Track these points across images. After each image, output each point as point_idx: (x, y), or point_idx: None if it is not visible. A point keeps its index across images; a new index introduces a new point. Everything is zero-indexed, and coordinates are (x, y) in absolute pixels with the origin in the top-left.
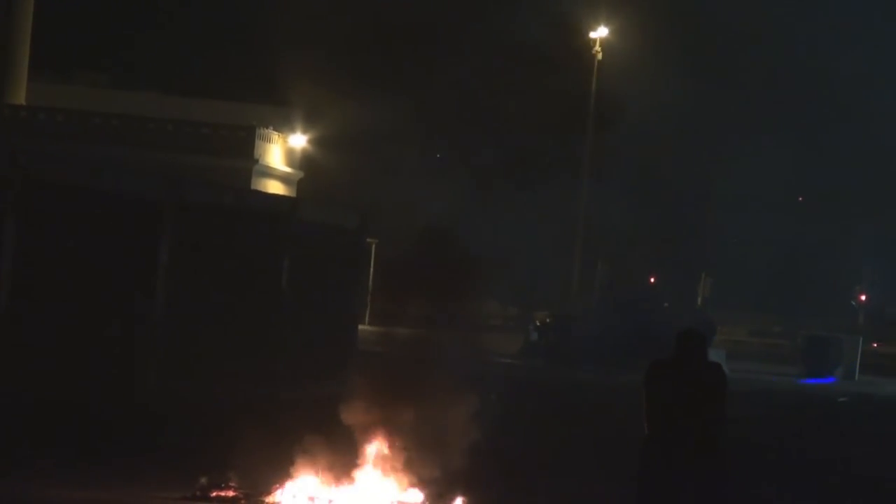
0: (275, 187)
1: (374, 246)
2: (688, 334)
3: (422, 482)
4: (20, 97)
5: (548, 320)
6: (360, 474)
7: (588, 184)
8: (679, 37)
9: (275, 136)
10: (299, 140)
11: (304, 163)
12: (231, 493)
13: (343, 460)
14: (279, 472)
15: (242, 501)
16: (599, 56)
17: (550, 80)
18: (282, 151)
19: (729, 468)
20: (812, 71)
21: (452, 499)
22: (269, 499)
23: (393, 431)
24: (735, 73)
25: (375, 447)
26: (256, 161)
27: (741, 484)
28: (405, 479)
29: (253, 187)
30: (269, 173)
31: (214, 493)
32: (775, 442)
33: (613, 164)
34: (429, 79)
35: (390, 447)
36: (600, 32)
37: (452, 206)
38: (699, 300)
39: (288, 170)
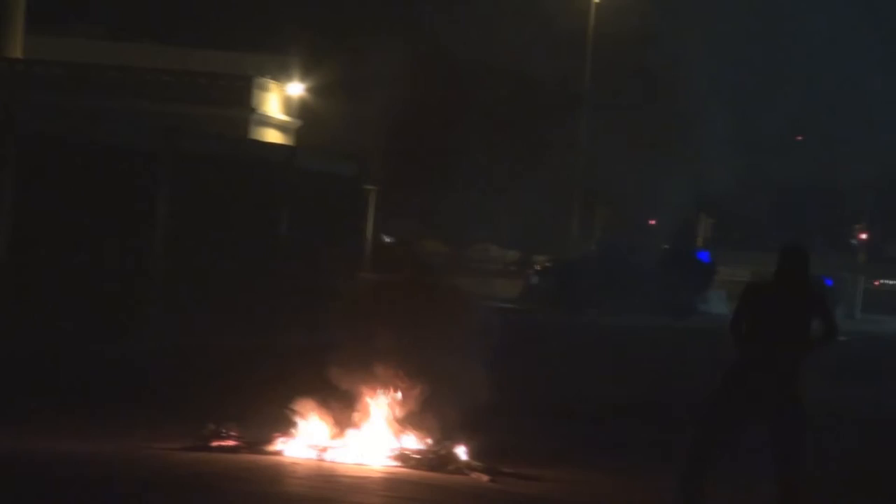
0: (273, 136)
1: (373, 193)
2: (789, 250)
3: (422, 429)
4: (17, 50)
5: (548, 265)
6: (360, 422)
7: (587, 126)
8: None
9: (272, 84)
10: (297, 88)
11: (302, 111)
12: (231, 443)
13: (343, 409)
14: (280, 421)
15: (243, 451)
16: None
17: (549, 17)
18: (279, 100)
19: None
20: (815, 9)
21: (454, 445)
22: (269, 447)
23: (392, 380)
24: (735, 10)
25: (375, 395)
26: (254, 110)
27: None
28: (405, 427)
29: (250, 136)
30: (267, 122)
31: (215, 443)
32: None
33: (612, 106)
34: (426, 22)
35: (390, 395)
36: None
37: (452, 150)
38: (699, 241)
39: (286, 118)
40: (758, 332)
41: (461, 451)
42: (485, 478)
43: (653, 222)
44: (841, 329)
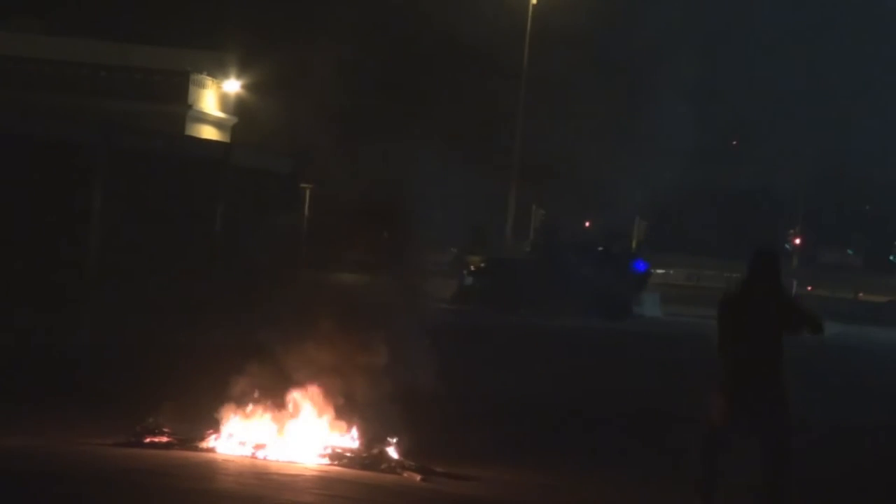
0: (209, 133)
1: (308, 191)
2: (759, 252)
3: (354, 426)
4: None
5: (482, 264)
6: (293, 420)
7: (523, 126)
8: None
9: (209, 81)
10: (233, 85)
11: (238, 108)
12: (165, 439)
13: (276, 406)
14: (213, 417)
15: (176, 447)
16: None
17: (485, 20)
18: (216, 97)
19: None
20: (746, 12)
21: (384, 442)
22: (203, 444)
23: (325, 377)
24: (670, 15)
25: (308, 393)
26: (190, 107)
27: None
28: (337, 424)
29: (187, 133)
30: (203, 119)
31: (148, 439)
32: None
33: (548, 108)
34: (362, 22)
35: (323, 392)
36: None
37: (388, 150)
38: (634, 244)
39: (222, 115)
40: (737, 343)
41: (393, 450)
42: (417, 477)
43: (588, 224)
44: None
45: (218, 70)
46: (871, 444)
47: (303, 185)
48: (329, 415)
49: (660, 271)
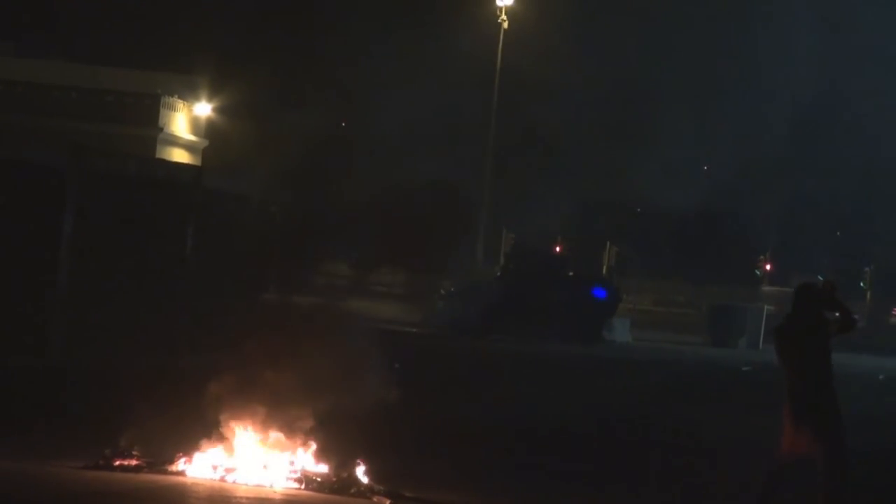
0: (179, 156)
1: (277, 214)
2: (799, 289)
3: (323, 451)
4: None
5: (452, 289)
6: (262, 443)
7: (492, 157)
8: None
9: (180, 104)
10: (204, 109)
11: (208, 131)
12: (134, 462)
13: (245, 430)
14: (182, 440)
15: (145, 470)
16: (505, 25)
17: (456, 47)
18: (186, 120)
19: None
20: (719, 40)
21: (353, 467)
22: (172, 467)
23: (295, 402)
24: (644, 46)
25: (278, 417)
26: (161, 129)
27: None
28: (306, 449)
29: (158, 156)
30: (174, 141)
31: (118, 462)
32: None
33: (519, 135)
34: (331, 46)
35: (293, 417)
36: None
37: (360, 174)
38: (604, 269)
39: (193, 138)
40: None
41: (362, 474)
42: (387, 501)
43: (559, 249)
44: (746, 359)
45: (189, 93)
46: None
47: (272, 208)
48: (298, 439)
49: (629, 296)
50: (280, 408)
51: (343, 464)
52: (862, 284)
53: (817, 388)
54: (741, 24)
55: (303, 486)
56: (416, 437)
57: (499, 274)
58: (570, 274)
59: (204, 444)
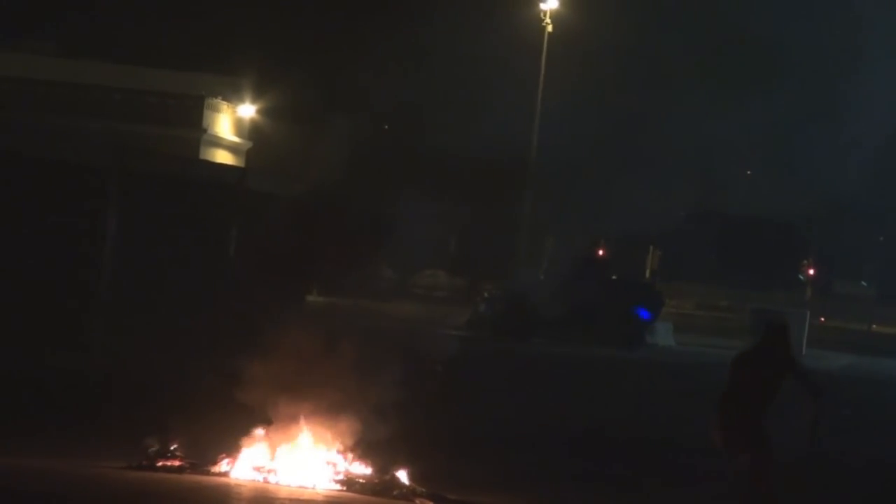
0: (223, 157)
1: (321, 216)
2: (771, 325)
3: (366, 453)
4: None
5: (496, 292)
6: (305, 444)
7: (534, 158)
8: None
9: (223, 105)
10: (248, 110)
11: (252, 133)
12: (177, 463)
13: (288, 431)
14: (225, 441)
15: (188, 471)
16: (549, 28)
17: (500, 50)
18: (230, 121)
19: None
20: (771, 37)
21: (396, 470)
22: (215, 468)
23: (338, 403)
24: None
25: (320, 418)
26: (205, 131)
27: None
28: (349, 451)
29: (201, 157)
30: (218, 143)
31: (160, 463)
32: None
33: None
34: (377, 49)
35: (336, 419)
36: (550, 4)
37: (400, 179)
38: (647, 273)
39: (236, 140)
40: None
41: (405, 477)
42: (429, 503)
43: (602, 253)
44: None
45: (233, 95)
46: (874, 476)
47: (316, 209)
48: (341, 440)
49: (672, 300)
50: (323, 409)
51: (386, 466)
52: None
53: (757, 408)
54: (779, 28)
55: (346, 488)
56: (457, 439)
57: (541, 277)
58: (613, 277)
59: (247, 445)
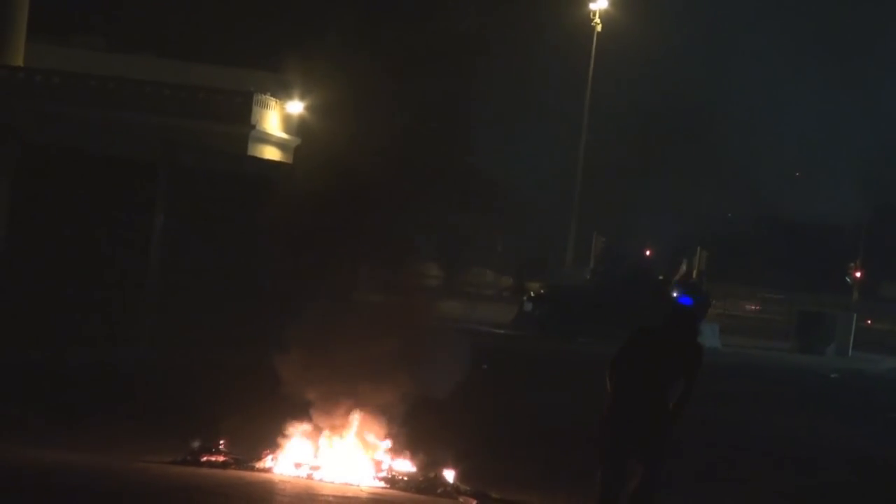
0: (271, 153)
1: (368, 214)
2: (679, 308)
3: (411, 450)
4: (18, 59)
5: (542, 291)
6: (349, 441)
7: (583, 158)
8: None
9: (272, 102)
10: (296, 107)
11: (301, 129)
12: (221, 458)
13: (333, 427)
14: (269, 437)
15: (232, 467)
16: (599, 28)
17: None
18: (279, 118)
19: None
20: (823, 43)
21: (440, 467)
22: (259, 464)
23: (382, 400)
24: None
25: (364, 415)
26: (253, 127)
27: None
28: (394, 448)
29: (249, 153)
30: (266, 139)
31: (204, 458)
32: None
33: (610, 139)
34: (425, 46)
35: (381, 416)
36: (599, 4)
37: (449, 174)
38: (695, 273)
39: (285, 136)
40: (622, 380)
41: (449, 474)
42: (473, 502)
43: (649, 253)
44: (834, 366)
45: (281, 91)
46: None
47: (364, 207)
48: (385, 437)
49: (718, 301)
50: (368, 406)
51: (430, 463)
52: None
53: (655, 401)
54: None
55: (390, 486)
56: (501, 437)
57: (588, 276)
58: (660, 278)
59: (291, 441)
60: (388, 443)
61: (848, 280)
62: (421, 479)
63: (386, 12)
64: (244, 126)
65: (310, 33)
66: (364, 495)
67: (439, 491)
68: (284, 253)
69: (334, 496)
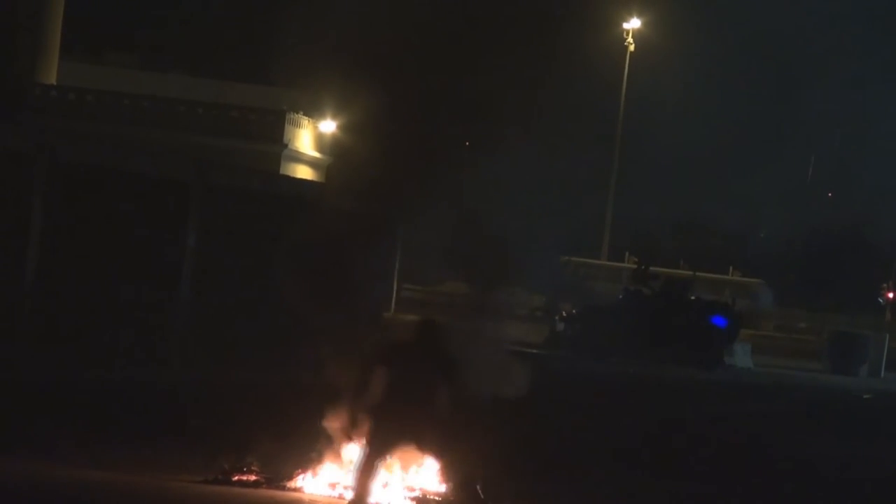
0: (303, 172)
1: (401, 233)
2: (423, 324)
3: (442, 470)
4: (51, 77)
5: (574, 311)
6: (381, 461)
7: (616, 179)
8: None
9: (304, 120)
10: (329, 126)
11: (333, 148)
12: (253, 478)
13: (363, 447)
14: (301, 457)
15: (264, 486)
16: (632, 47)
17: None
18: (311, 136)
19: None
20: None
21: (471, 487)
22: (290, 484)
23: (414, 420)
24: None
25: (396, 434)
26: (286, 145)
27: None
28: (425, 468)
29: (282, 171)
30: (298, 158)
31: (236, 477)
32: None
33: (641, 162)
34: (458, 64)
35: (412, 436)
36: (633, 24)
37: (482, 195)
38: (727, 294)
39: (317, 155)
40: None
41: (480, 494)
42: None
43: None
44: (866, 387)
45: (314, 110)
46: None
47: (396, 226)
48: (417, 457)
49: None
50: (399, 426)
51: (462, 484)
52: None
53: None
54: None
55: None
56: (533, 457)
57: (621, 297)
58: (693, 298)
59: (322, 460)
60: (420, 463)
61: (881, 301)
62: (453, 498)
63: (420, 35)
64: (277, 145)
65: (344, 53)
66: None
67: None
68: (317, 272)
69: None
